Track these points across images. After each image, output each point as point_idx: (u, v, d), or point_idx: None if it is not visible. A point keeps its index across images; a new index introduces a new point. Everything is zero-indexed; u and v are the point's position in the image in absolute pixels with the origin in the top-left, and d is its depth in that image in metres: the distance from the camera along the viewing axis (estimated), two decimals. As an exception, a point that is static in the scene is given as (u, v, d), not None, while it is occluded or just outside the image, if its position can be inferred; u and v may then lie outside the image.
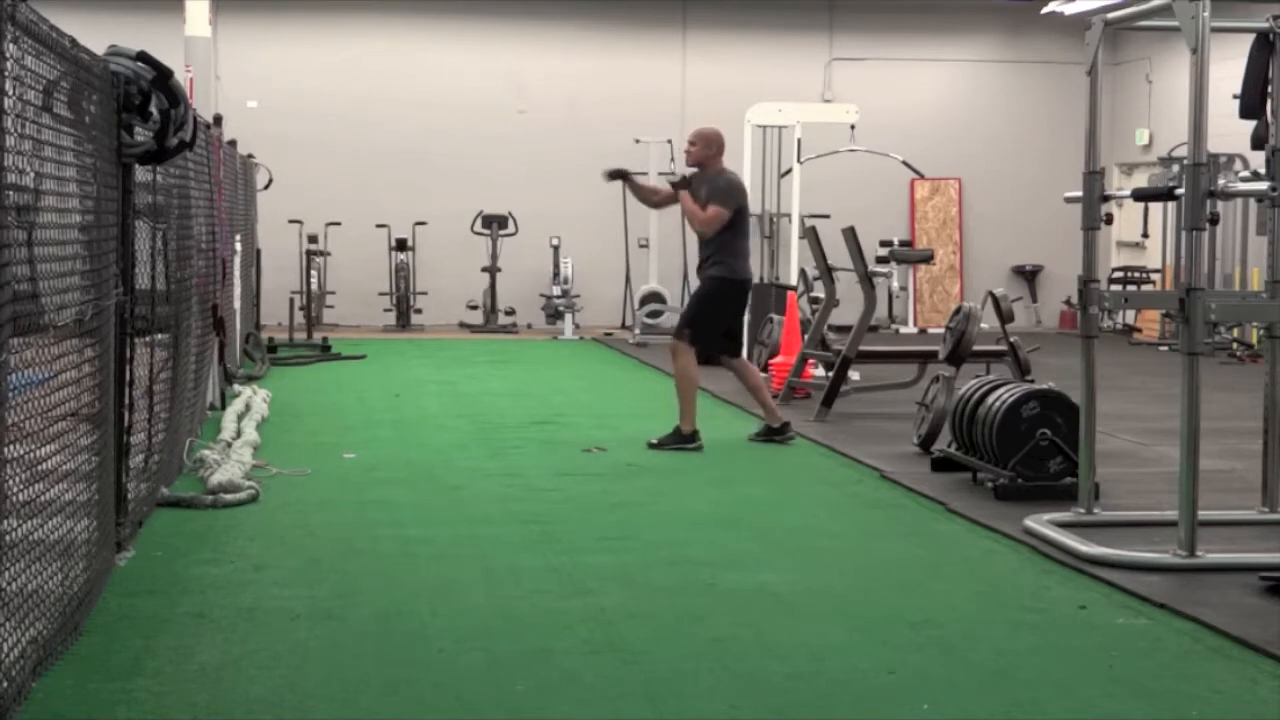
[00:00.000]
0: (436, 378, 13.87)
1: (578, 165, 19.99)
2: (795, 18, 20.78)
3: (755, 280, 16.05)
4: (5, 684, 4.14)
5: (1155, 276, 19.13)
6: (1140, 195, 7.85)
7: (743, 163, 14.44)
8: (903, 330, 19.88)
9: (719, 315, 9.68)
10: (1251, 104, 7.00)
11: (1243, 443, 9.01)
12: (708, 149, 9.73)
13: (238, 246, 12.65)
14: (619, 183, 10.14)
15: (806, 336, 11.90)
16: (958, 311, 9.74)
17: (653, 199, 10.35)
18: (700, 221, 9.63)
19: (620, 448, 9.48)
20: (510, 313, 19.54)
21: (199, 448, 8.50)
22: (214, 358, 10.65)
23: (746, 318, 13.96)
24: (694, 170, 9.78)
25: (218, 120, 12.34)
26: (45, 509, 4.75)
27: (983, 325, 9.71)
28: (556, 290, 18.89)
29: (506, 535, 6.92)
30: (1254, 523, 7.26)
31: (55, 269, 4.81)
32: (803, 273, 14.70)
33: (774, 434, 9.83)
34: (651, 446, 9.40)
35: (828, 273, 11.95)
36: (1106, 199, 7.17)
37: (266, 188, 16.59)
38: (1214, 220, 6.25)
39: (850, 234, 11.47)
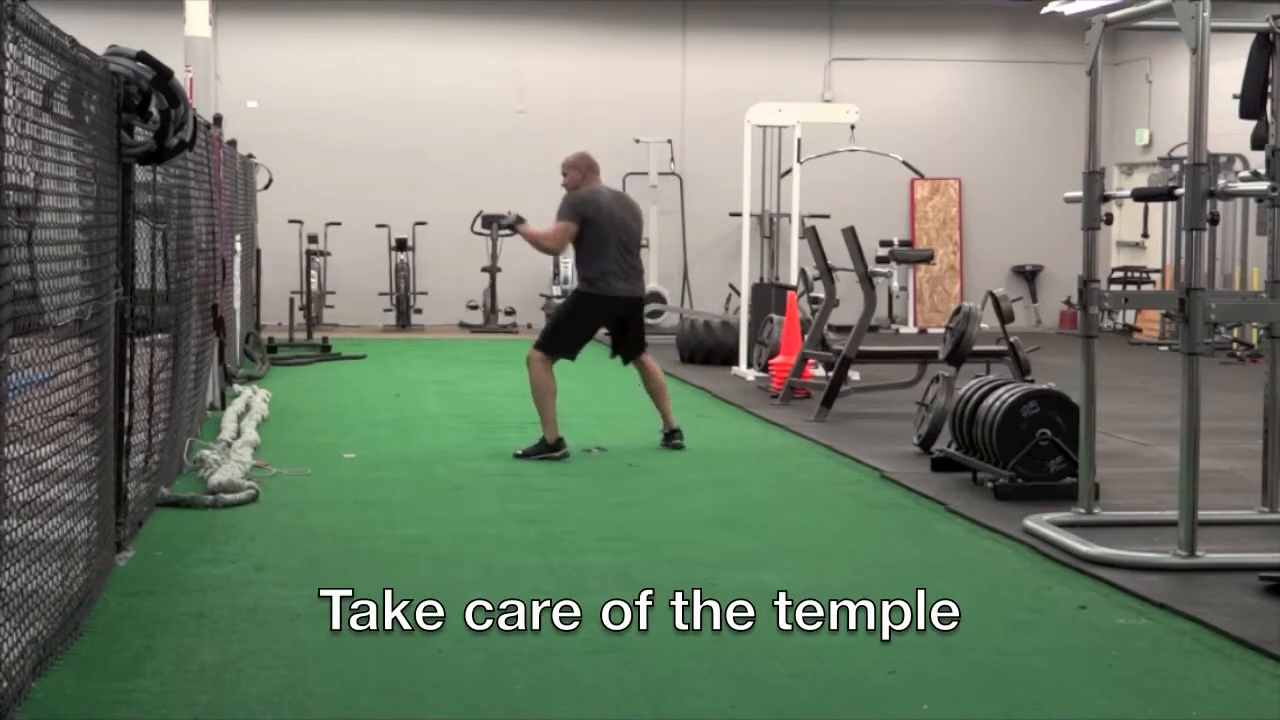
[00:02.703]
0: (436, 378, 13.87)
1: (578, 165, 20.01)
2: (795, 18, 20.78)
3: (759, 280, 16.28)
4: (5, 684, 4.14)
5: (1155, 276, 19.13)
6: (1140, 195, 7.85)
7: (743, 162, 14.45)
8: (903, 330, 19.88)
9: (575, 325, 9.48)
10: (1251, 104, 7.00)
11: (1243, 443, 9.01)
12: (578, 173, 9.51)
13: (238, 246, 12.65)
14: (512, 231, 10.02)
15: (806, 336, 11.89)
16: (958, 311, 9.74)
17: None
18: (540, 239, 9.51)
19: (620, 448, 9.47)
20: (510, 313, 19.53)
21: (199, 448, 8.50)
22: (214, 358, 10.65)
23: (745, 318, 14.08)
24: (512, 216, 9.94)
25: (218, 120, 12.34)
26: (45, 509, 4.75)
27: (983, 325, 9.70)
28: (556, 290, 18.88)
29: (506, 535, 6.92)
30: (1254, 523, 7.25)
31: (55, 269, 4.81)
32: (803, 273, 14.70)
33: (668, 438, 9.60)
34: (517, 457, 9.11)
35: (828, 273, 11.95)
36: (1106, 199, 7.16)
37: (266, 188, 16.59)
38: (1214, 220, 6.25)
39: (850, 234, 11.47)
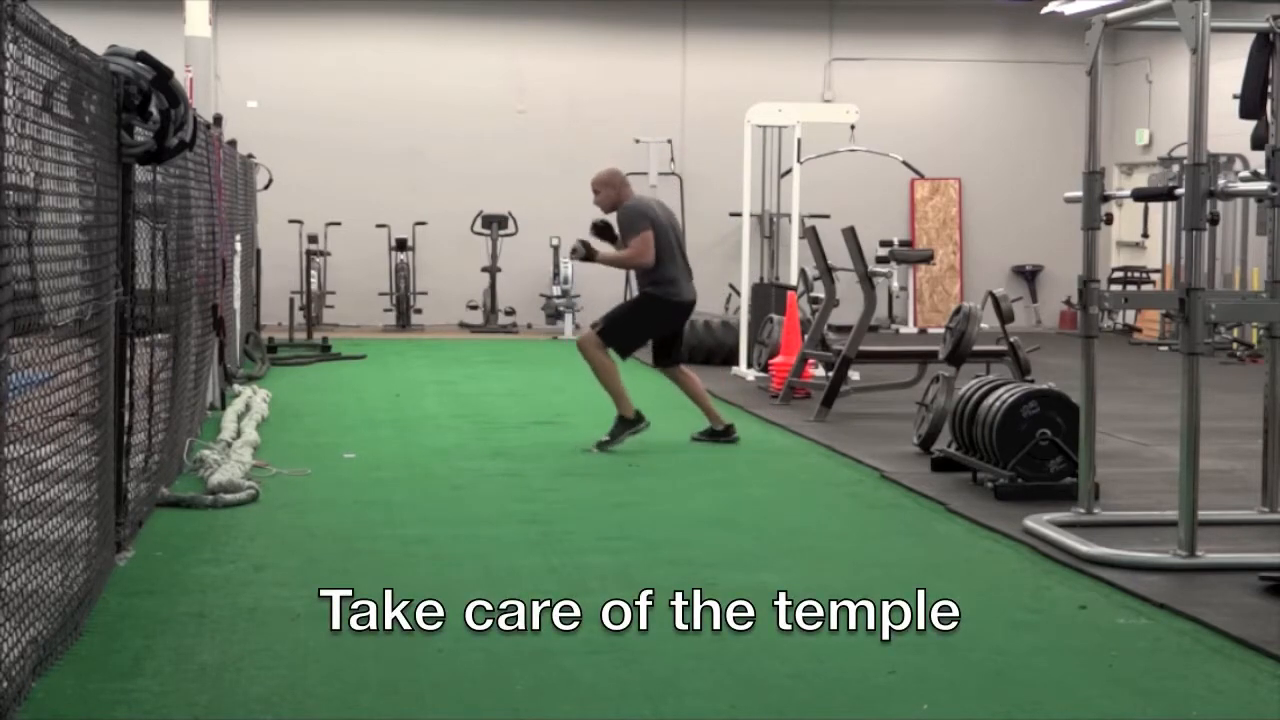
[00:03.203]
0: (436, 378, 13.87)
1: (578, 165, 20.01)
2: (795, 18, 20.78)
3: (759, 280, 16.29)
4: (5, 684, 4.14)
5: (1155, 276, 19.13)
6: (1140, 195, 7.85)
7: (743, 162, 14.45)
8: (903, 330, 19.88)
9: (639, 326, 9.57)
10: (1251, 104, 7.00)
11: (1243, 443, 9.01)
12: (612, 190, 9.52)
13: (238, 246, 12.65)
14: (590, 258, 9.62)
15: (806, 336, 11.89)
16: (958, 311, 9.74)
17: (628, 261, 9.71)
18: (632, 259, 9.46)
19: (621, 447, 9.47)
20: (510, 313, 19.53)
21: (199, 448, 8.50)
22: (214, 358, 10.65)
23: (745, 318, 14.09)
24: (595, 226, 9.68)
25: (218, 120, 12.34)
26: (45, 509, 4.75)
27: (983, 325, 9.70)
28: (556, 290, 18.89)
29: (506, 535, 6.92)
30: (1254, 523, 7.26)
31: (55, 269, 4.81)
32: (803, 273, 14.70)
33: (718, 436, 9.71)
34: (602, 445, 9.25)
35: (828, 273, 11.95)
36: (1106, 199, 7.17)
37: (266, 188, 16.59)
38: (1214, 220, 6.25)
39: (850, 234, 11.47)
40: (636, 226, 9.39)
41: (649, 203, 9.66)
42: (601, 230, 9.76)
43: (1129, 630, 5.43)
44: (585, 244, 9.59)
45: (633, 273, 9.65)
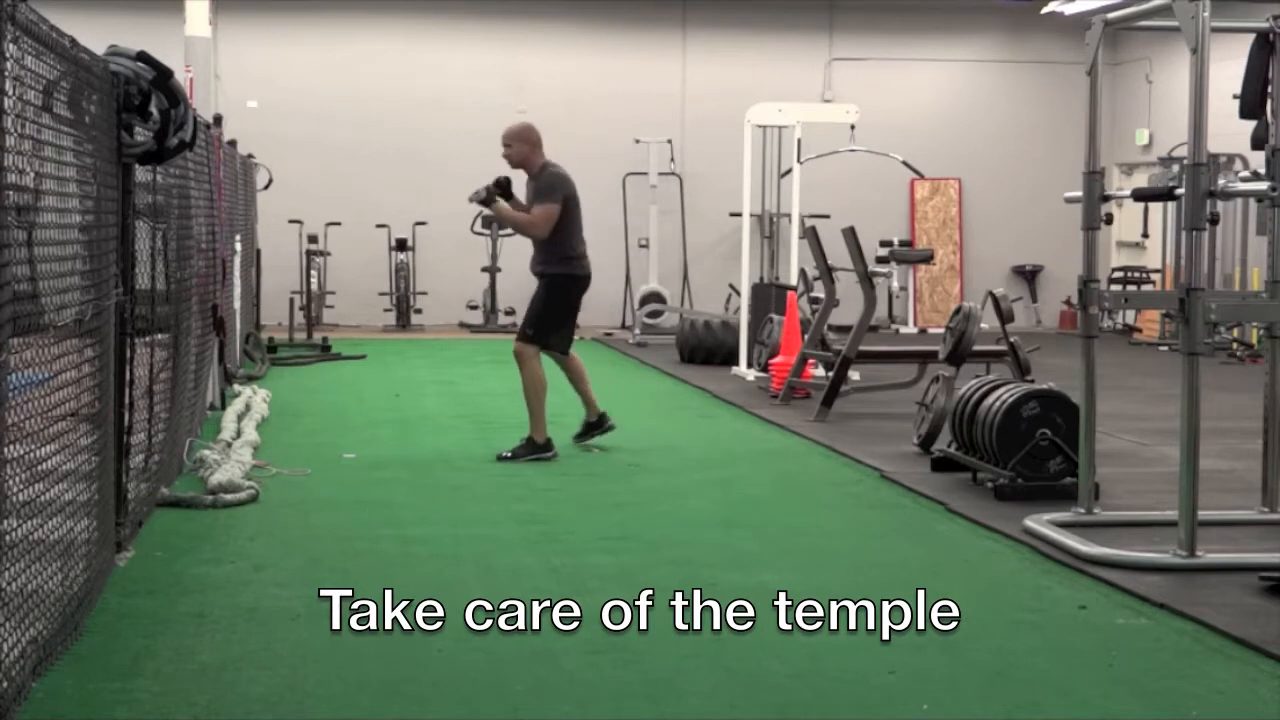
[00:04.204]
0: (436, 378, 13.87)
1: (578, 165, 19.85)
2: (795, 18, 20.78)
3: (759, 280, 16.30)
4: (5, 684, 4.14)
5: (1155, 276, 19.13)
6: (1140, 195, 7.85)
7: (743, 162, 14.45)
8: (903, 330, 19.88)
9: (563, 314, 9.27)
10: (1251, 104, 7.00)
11: (1243, 443, 9.01)
12: (526, 146, 9.16)
13: (238, 246, 12.65)
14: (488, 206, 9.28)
15: (806, 336, 11.89)
16: (958, 311, 9.74)
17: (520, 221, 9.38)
18: (529, 226, 9.10)
19: (620, 448, 9.47)
20: (510, 313, 19.51)
21: (199, 448, 8.50)
22: (214, 358, 10.65)
23: (745, 318, 14.09)
24: (497, 181, 9.20)
25: (218, 120, 12.34)
26: (45, 509, 4.75)
27: (983, 325, 9.70)
28: (556, 290, 18.85)
29: (506, 535, 6.93)
30: (1254, 523, 7.26)
31: (55, 269, 4.81)
32: (803, 273, 14.70)
33: (593, 428, 9.45)
34: (503, 459, 8.92)
35: (828, 273, 11.95)
36: (1106, 199, 7.17)
37: (266, 188, 16.59)
38: (1214, 220, 6.25)
39: (850, 234, 11.47)
40: (553, 196, 9.05)
41: (569, 178, 9.24)
42: (503, 186, 9.25)
43: (1129, 630, 5.43)
44: (490, 191, 9.15)
45: (538, 251, 9.20)
